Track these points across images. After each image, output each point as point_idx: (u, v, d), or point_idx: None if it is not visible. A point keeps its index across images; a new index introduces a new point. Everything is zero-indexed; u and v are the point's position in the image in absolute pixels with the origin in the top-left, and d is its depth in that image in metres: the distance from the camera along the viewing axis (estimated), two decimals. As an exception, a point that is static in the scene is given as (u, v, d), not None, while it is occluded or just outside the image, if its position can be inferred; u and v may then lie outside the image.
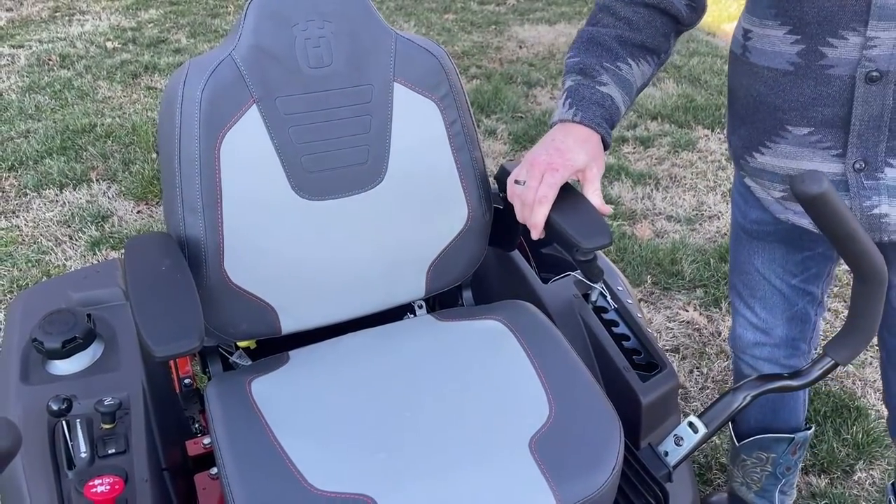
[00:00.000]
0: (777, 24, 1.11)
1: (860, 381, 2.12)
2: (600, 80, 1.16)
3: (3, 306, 2.39)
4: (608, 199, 3.00)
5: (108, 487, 0.91)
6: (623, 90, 1.17)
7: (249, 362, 1.34)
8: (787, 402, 1.51)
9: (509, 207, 1.37)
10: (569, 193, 1.27)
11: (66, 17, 5.23)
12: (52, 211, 2.91)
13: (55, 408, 1.00)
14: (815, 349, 1.50)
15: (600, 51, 1.18)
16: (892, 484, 1.53)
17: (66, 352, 1.11)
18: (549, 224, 1.22)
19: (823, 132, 1.12)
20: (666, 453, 1.15)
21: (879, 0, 0.99)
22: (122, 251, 2.66)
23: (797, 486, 1.80)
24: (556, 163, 1.10)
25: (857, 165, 1.11)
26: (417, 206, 1.25)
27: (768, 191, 1.26)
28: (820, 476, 1.83)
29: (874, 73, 1.03)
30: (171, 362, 1.57)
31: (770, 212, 1.28)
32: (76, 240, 2.73)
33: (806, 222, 1.24)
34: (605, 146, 1.15)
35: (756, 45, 1.16)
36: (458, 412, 1.07)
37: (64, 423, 1.02)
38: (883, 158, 1.09)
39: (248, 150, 1.13)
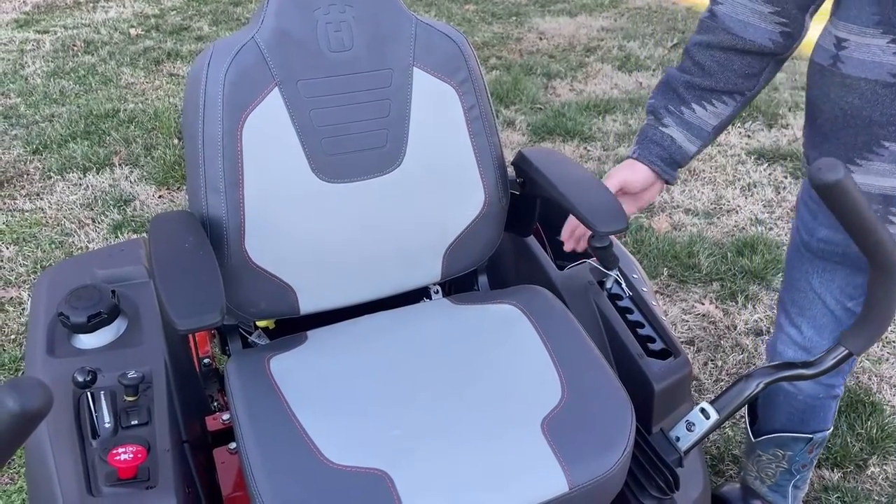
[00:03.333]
0: (879, 32, 1.06)
1: (876, 376, 2.11)
2: (664, 122, 1.26)
3: (27, 286, 2.44)
4: (626, 191, 3.00)
5: (131, 455, 0.94)
6: (688, 131, 1.25)
7: (268, 342, 1.36)
8: (818, 412, 1.46)
9: (525, 193, 1.39)
10: (585, 179, 1.28)
11: (91, 4, 5.28)
12: (76, 194, 2.95)
13: (80, 379, 1.03)
14: (852, 367, 1.45)
15: (670, 95, 1.26)
16: None
17: (91, 326, 1.14)
18: (565, 209, 1.24)
19: None
20: (678, 438, 1.16)
21: None
22: (146, 231, 2.71)
23: (810, 479, 1.81)
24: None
25: None
26: (435, 191, 1.26)
27: None
28: (833, 470, 1.83)
29: None
30: (192, 342, 1.60)
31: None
32: (99, 223, 2.78)
33: None
34: (667, 182, 1.29)
35: (852, 55, 1.10)
36: (472, 392, 1.09)
37: (89, 394, 1.04)
38: None
39: (270, 131, 1.15)
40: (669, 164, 1.27)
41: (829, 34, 1.17)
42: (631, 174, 1.28)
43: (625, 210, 1.23)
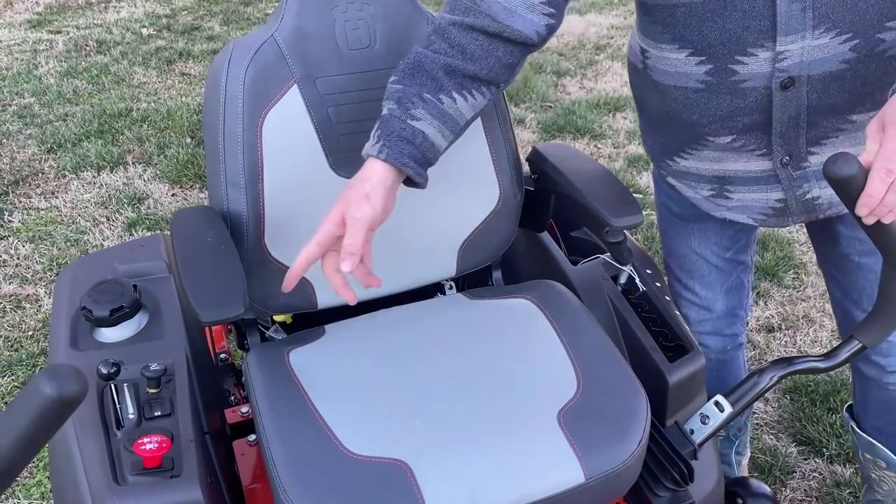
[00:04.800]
0: (675, 47, 1.11)
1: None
2: (414, 113, 1.02)
3: (43, 283, 2.46)
4: (637, 189, 3.01)
5: (156, 445, 0.96)
6: (443, 124, 1.04)
7: (285, 336, 1.38)
8: (730, 365, 1.56)
9: (539, 189, 1.40)
10: (597, 171, 1.29)
11: (103, 4, 5.32)
12: (90, 192, 2.98)
13: (105, 371, 1.04)
14: (749, 314, 1.58)
15: (424, 79, 1.03)
16: (848, 407, 1.57)
17: (114, 320, 1.15)
18: (579, 203, 1.25)
19: (746, 137, 1.15)
20: (692, 431, 1.17)
21: (784, 17, 1.01)
22: (161, 229, 2.73)
23: (821, 473, 1.81)
24: (353, 211, 0.98)
25: (783, 161, 1.15)
26: (450, 187, 1.28)
27: (696, 190, 1.30)
28: (845, 465, 1.83)
29: (787, 81, 1.07)
30: (208, 337, 1.62)
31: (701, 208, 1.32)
32: (113, 220, 2.80)
33: (744, 217, 1.28)
34: (417, 185, 1.04)
35: (657, 66, 1.16)
36: (489, 384, 1.10)
37: (112, 386, 1.06)
38: (805, 150, 1.14)
39: (289, 128, 1.17)
40: (423, 164, 1.03)
41: (635, 39, 1.22)
42: (374, 183, 0.99)
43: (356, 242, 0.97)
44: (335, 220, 0.98)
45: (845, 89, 1.08)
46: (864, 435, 1.49)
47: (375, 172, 1.00)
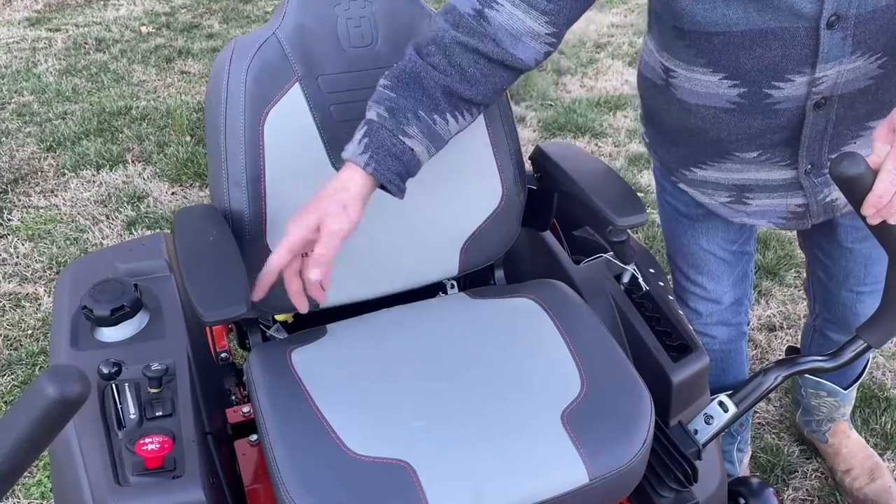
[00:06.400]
0: (709, 71, 1.10)
1: (890, 371, 2.11)
2: (407, 130, 1.01)
3: (43, 282, 2.46)
4: (638, 188, 3.00)
5: (157, 446, 0.95)
6: (431, 143, 1.03)
7: (286, 336, 1.37)
8: (734, 356, 1.59)
9: (542, 187, 1.39)
10: (601, 170, 1.29)
11: (102, 2, 5.31)
12: (90, 191, 2.97)
13: (106, 371, 1.04)
14: (752, 302, 1.67)
15: (420, 95, 1.01)
16: (790, 350, 1.73)
17: (115, 319, 1.14)
18: (582, 202, 1.25)
19: (773, 152, 1.18)
20: (696, 431, 1.17)
21: (826, 46, 1.03)
22: (160, 227, 2.72)
23: (823, 473, 1.81)
24: (331, 222, 0.97)
25: (806, 170, 1.19)
26: (453, 185, 1.27)
27: (712, 197, 1.32)
28: (847, 465, 1.83)
29: (821, 101, 1.10)
30: (209, 336, 1.61)
31: (719, 215, 1.34)
32: (113, 219, 2.79)
33: (763, 221, 1.30)
34: (394, 195, 1.04)
35: (684, 85, 1.16)
36: (492, 384, 1.10)
37: (113, 386, 1.05)
38: (826, 157, 1.18)
39: (291, 126, 1.17)
40: (405, 179, 1.03)
41: (654, 56, 1.21)
42: (353, 195, 0.99)
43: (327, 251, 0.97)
44: (310, 226, 0.98)
45: (868, 101, 1.12)
46: (811, 377, 1.66)
47: (355, 183, 0.99)
